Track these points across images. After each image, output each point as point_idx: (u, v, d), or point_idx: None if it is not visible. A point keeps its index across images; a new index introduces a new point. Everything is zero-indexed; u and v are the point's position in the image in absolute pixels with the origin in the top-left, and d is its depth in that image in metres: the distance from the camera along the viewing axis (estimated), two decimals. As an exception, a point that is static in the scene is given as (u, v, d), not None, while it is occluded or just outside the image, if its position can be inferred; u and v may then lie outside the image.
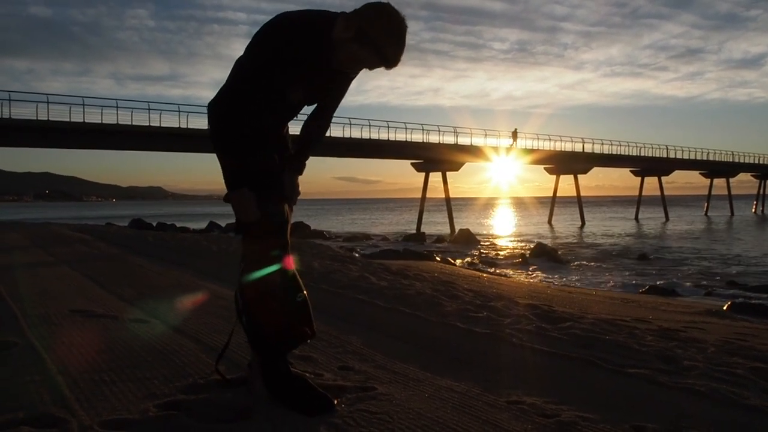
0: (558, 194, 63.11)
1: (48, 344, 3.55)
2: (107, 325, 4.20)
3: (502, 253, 28.24)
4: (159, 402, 2.50)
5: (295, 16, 2.42)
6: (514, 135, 54.66)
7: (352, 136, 44.41)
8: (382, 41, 2.35)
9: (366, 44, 2.35)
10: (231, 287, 2.91)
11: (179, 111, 39.33)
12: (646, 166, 64.80)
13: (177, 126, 38.93)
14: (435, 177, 51.49)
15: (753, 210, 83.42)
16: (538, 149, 54.48)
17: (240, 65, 2.44)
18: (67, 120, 35.80)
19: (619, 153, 60.91)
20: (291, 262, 2.59)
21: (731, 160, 73.27)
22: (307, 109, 2.72)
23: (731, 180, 76.28)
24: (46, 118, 35.11)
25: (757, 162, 76.95)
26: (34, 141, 36.58)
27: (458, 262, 20.28)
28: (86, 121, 36.27)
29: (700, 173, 73.93)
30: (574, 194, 61.23)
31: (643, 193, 69.32)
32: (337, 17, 2.41)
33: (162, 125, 38.60)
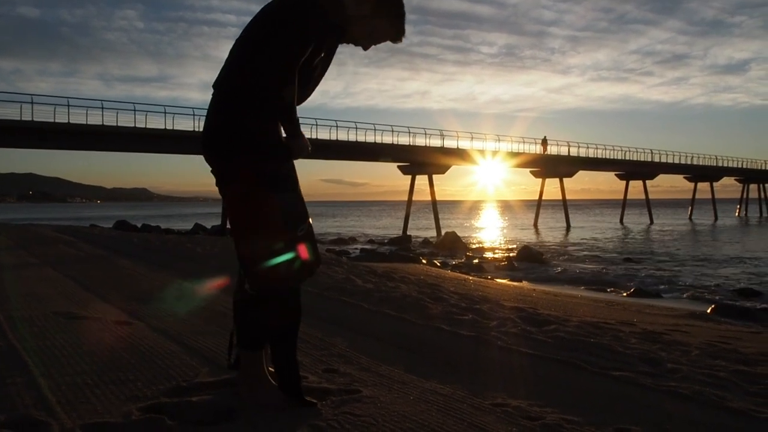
0: (544, 197, 63.32)
1: (30, 346, 3.52)
2: (90, 327, 4.17)
3: (487, 255, 28.31)
4: (142, 405, 2.48)
5: None
6: (544, 143, 54.98)
7: (339, 139, 44.40)
8: (394, 15, 2.55)
9: (383, 18, 2.53)
10: (215, 289, 2.89)
11: (165, 112, 39.22)
12: (631, 169, 65.22)
13: (163, 127, 38.79)
14: (421, 180, 51.58)
15: (736, 214, 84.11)
16: (524, 152, 54.71)
17: (262, 43, 2.41)
18: (52, 120, 35.55)
19: (604, 157, 61.28)
20: (304, 251, 2.50)
21: (715, 164, 73.87)
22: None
23: (715, 184, 76.92)
24: (30, 119, 34.85)
25: (740, 166, 77.63)
26: (18, 141, 36.31)
27: (444, 264, 20.30)
28: (71, 122, 36.04)
29: (684, 177, 74.44)
30: (560, 197, 61.53)
31: (628, 197, 69.88)
32: None
33: (148, 126, 38.44)
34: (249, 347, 2.57)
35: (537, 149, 55.66)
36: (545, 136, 55.82)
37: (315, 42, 2.43)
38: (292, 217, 2.48)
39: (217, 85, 2.53)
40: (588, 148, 59.87)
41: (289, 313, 2.54)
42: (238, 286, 2.57)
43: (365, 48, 2.64)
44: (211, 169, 2.53)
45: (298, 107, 2.53)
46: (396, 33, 2.59)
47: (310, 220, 2.60)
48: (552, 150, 56.84)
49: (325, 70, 2.68)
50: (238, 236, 2.50)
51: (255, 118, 2.43)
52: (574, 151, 58.56)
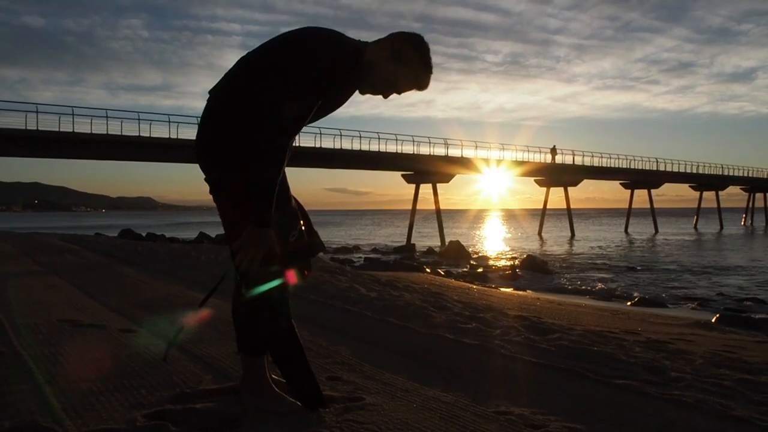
0: (548, 206, 63.27)
1: (35, 354, 3.53)
2: (95, 334, 4.18)
3: (491, 264, 28.28)
4: (146, 412, 2.49)
5: (338, 37, 2.46)
6: (553, 152, 55.05)
7: (343, 147, 44.44)
8: (416, 62, 2.47)
9: (402, 64, 2.46)
10: (219, 298, 2.91)
11: (169, 121, 39.22)
12: (635, 178, 65.08)
13: (167, 136, 38.85)
14: (425, 189, 51.53)
15: (742, 223, 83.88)
16: (528, 161, 54.69)
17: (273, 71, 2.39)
18: (56, 130, 35.65)
19: (609, 165, 61.20)
20: (293, 277, 2.53)
21: (721, 173, 73.67)
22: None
23: (721, 193, 76.66)
24: (35, 128, 34.95)
25: (746, 175, 77.42)
26: (23, 151, 36.38)
27: (448, 273, 20.28)
28: (76, 131, 36.11)
29: (689, 186, 74.24)
30: (565, 206, 61.41)
31: (633, 206, 69.56)
32: (366, 45, 2.49)
33: (152, 135, 38.50)
34: (250, 352, 2.58)
35: (541, 158, 55.65)
36: (554, 145, 55.94)
37: (324, 94, 2.41)
38: (282, 226, 2.48)
39: (214, 93, 2.53)
40: (593, 156, 59.85)
41: (279, 317, 2.54)
42: (236, 291, 2.57)
43: (385, 96, 2.54)
44: (204, 177, 2.54)
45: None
46: (415, 80, 2.51)
47: (302, 224, 2.61)
48: (557, 159, 56.81)
49: (334, 109, 2.65)
50: (231, 243, 2.47)
51: (249, 128, 2.42)
52: (579, 160, 58.55)
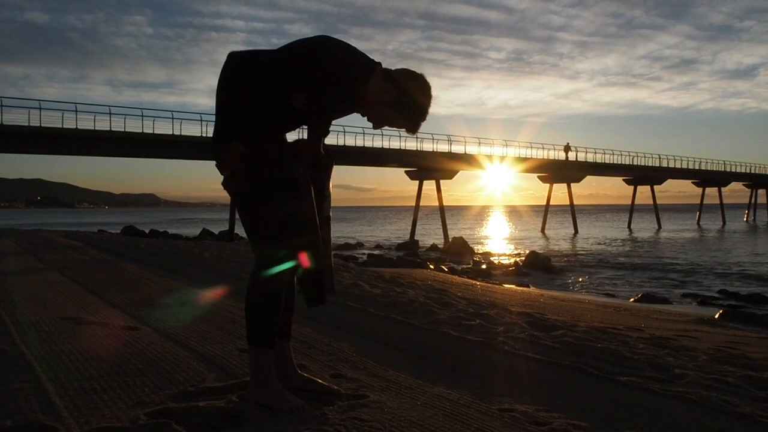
0: (551, 203, 63.23)
1: (37, 351, 3.53)
2: (98, 332, 4.18)
3: (495, 261, 28.27)
4: (149, 410, 2.48)
5: (355, 53, 2.53)
6: (567, 149, 55.14)
7: (347, 144, 44.42)
8: (415, 112, 2.55)
9: (402, 112, 2.53)
10: (222, 294, 2.90)
11: (173, 118, 39.27)
12: (638, 175, 65.01)
13: (171, 133, 38.88)
14: (429, 185, 51.53)
15: (744, 219, 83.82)
16: (531, 157, 54.67)
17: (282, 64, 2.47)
18: (60, 126, 35.69)
19: (612, 162, 61.13)
20: (305, 260, 2.61)
21: (723, 169, 73.61)
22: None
23: (723, 189, 76.60)
24: (38, 124, 35.00)
25: (748, 171, 77.37)
26: (26, 147, 36.45)
27: (451, 269, 20.27)
28: (79, 127, 36.16)
29: (692, 182, 74.18)
30: (568, 203, 61.37)
31: (636, 202, 69.55)
32: (374, 70, 2.53)
33: (156, 132, 38.53)
34: (257, 343, 2.59)
35: (544, 154, 55.62)
36: (568, 143, 56.23)
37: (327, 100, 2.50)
38: (290, 225, 2.56)
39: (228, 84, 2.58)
40: (596, 153, 59.79)
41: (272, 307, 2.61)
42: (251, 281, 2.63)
43: (375, 127, 2.63)
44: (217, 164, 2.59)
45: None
46: (409, 127, 2.59)
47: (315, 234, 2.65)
48: (561, 155, 56.80)
49: (330, 121, 2.75)
50: (247, 236, 2.63)
51: (260, 120, 2.50)
52: (582, 156, 58.50)
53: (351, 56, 2.51)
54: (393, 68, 2.56)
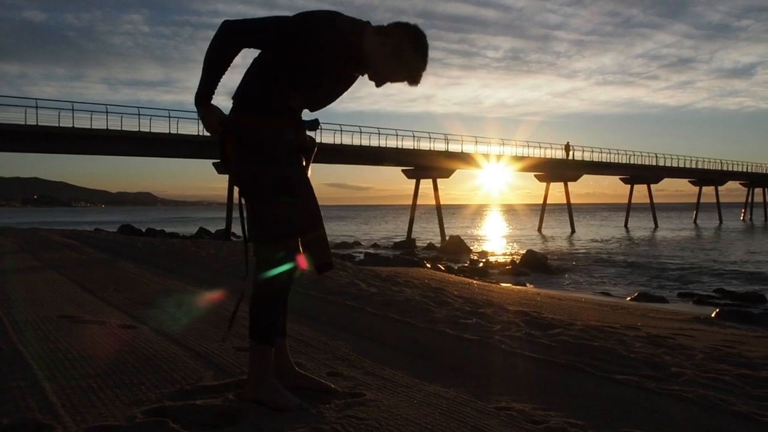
0: (548, 201, 63.28)
1: (34, 350, 3.52)
2: (95, 330, 4.17)
3: (492, 260, 28.29)
4: (146, 408, 2.48)
5: (344, 20, 2.53)
6: (567, 148, 55.24)
7: (344, 143, 44.38)
8: (414, 61, 2.53)
9: (401, 62, 2.51)
10: (219, 293, 2.90)
11: (170, 116, 39.17)
12: (635, 173, 65.07)
13: (167, 132, 38.81)
14: (426, 184, 51.53)
15: (741, 218, 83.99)
16: (528, 156, 54.68)
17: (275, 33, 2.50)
18: (56, 125, 35.61)
19: (609, 161, 61.18)
20: (303, 262, 2.65)
21: (720, 168, 73.71)
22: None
23: (720, 188, 76.75)
24: (35, 123, 34.92)
25: (745, 170, 77.46)
26: (23, 146, 36.37)
27: (448, 268, 20.29)
28: (75, 126, 36.09)
29: (689, 181, 74.28)
30: (565, 201, 61.40)
31: (633, 201, 69.57)
32: (365, 26, 2.54)
33: (152, 131, 38.46)
34: (259, 339, 2.59)
35: (541, 153, 55.67)
36: (568, 142, 56.49)
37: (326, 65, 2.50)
38: (288, 227, 2.58)
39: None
40: (593, 152, 59.85)
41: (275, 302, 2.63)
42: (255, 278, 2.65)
43: (377, 85, 2.61)
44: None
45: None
46: (410, 78, 2.56)
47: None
48: (558, 154, 56.85)
49: (336, 96, 2.72)
50: (248, 235, 2.66)
51: (264, 116, 2.54)
52: (578, 155, 58.53)
53: (339, 15, 2.53)
54: None
